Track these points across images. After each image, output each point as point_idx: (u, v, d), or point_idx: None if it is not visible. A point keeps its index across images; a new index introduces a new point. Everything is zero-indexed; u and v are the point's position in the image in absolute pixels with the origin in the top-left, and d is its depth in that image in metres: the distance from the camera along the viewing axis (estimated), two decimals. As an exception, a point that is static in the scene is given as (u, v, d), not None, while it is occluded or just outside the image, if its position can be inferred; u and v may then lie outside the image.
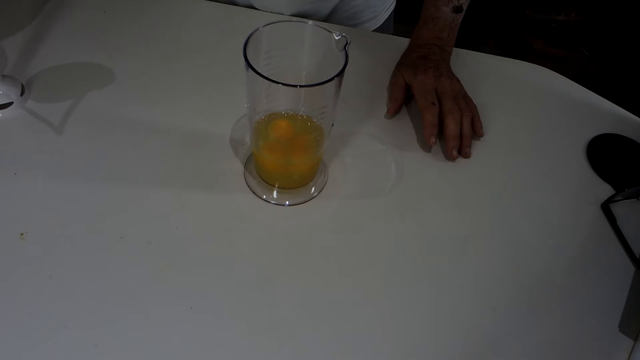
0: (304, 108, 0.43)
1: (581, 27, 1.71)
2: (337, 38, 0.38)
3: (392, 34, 0.69)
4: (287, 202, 0.47)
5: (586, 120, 0.58)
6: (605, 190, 0.51)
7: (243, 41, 0.37)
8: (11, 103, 0.51)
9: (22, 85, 0.52)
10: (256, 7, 0.66)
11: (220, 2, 0.68)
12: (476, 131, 0.54)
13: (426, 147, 0.53)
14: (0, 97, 0.50)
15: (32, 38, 0.60)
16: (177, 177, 0.47)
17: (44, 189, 0.45)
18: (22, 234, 0.42)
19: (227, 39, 0.62)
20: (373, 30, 0.74)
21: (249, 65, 0.36)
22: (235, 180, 0.48)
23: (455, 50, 0.65)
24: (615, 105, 0.60)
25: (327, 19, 0.69)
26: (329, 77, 0.36)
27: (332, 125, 0.43)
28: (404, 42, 0.65)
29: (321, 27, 0.39)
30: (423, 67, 0.55)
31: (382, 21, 0.75)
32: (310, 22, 0.40)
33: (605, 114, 0.59)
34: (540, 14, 1.73)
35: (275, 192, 0.47)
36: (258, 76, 0.35)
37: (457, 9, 0.58)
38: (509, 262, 0.45)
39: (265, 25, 0.38)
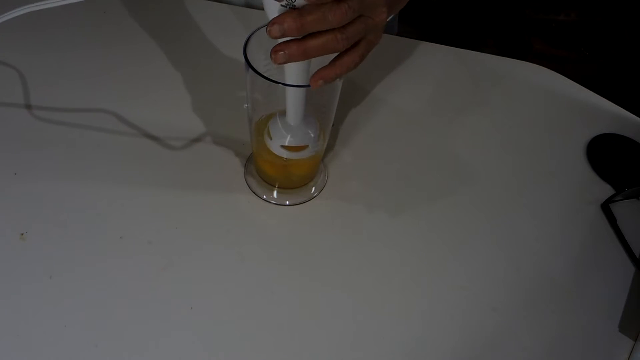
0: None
1: (581, 27, 1.71)
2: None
3: (397, 34, 0.69)
4: (287, 202, 0.47)
5: (586, 120, 0.58)
6: (605, 190, 0.51)
7: (243, 41, 0.37)
8: None
9: None
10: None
11: (220, 2, 0.68)
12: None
13: (426, 147, 0.53)
14: None
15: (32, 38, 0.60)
16: (177, 177, 0.47)
17: (44, 189, 0.45)
18: (22, 234, 0.42)
19: (227, 38, 0.62)
20: None
21: (249, 65, 0.36)
22: (235, 180, 0.48)
23: (455, 50, 0.65)
24: (615, 105, 0.60)
25: None
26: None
27: (332, 125, 0.43)
28: (405, 42, 0.65)
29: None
30: None
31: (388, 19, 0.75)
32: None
33: (605, 114, 0.59)
34: (540, 14, 1.73)
35: (275, 192, 0.47)
36: (258, 76, 0.35)
37: None
38: (509, 262, 0.45)
39: (266, 25, 0.38)
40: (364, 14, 0.34)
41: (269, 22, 0.31)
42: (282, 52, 0.32)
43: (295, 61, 0.33)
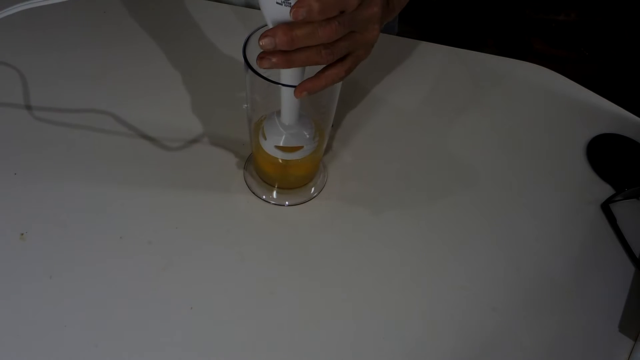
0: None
1: (581, 27, 1.70)
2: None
3: (397, 34, 0.69)
4: (286, 202, 0.47)
5: (586, 120, 0.58)
6: (605, 190, 0.51)
7: (242, 41, 0.37)
8: None
9: None
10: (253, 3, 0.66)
11: (220, 1, 0.68)
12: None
13: (426, 147, 0.53)
14: None
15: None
16: (177, 177, 0.47)
17: (44, 189, 0.45)
18: (22, 234, 0.42)
19: (227, 39, 0.62)
20: None
21: (248, 65, 0.36)
22: (235, 181, 0.48)
23: (455, 50, 0.65)
24: (615, 105, 0.60)
25: None
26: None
27: (332, 125, 0.43)
28: (405, 42, 0.65)
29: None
30: None
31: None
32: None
33: (605, 114, 0.59)
34: (540, 14, 1.73)
35: (275, 193, 0.47)
36: (257, 76, 0.35)
37: None
38: (509, 262, 0.45)
39: (265, 25, 0.38)
40: (355, 30, 0.34)
41: (261, 35, 0.32)
42: (267, 59, 0.33)
43: (279, 68, 0.34)
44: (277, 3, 0.31)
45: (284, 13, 0.31)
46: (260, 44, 0.32)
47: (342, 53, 0.35)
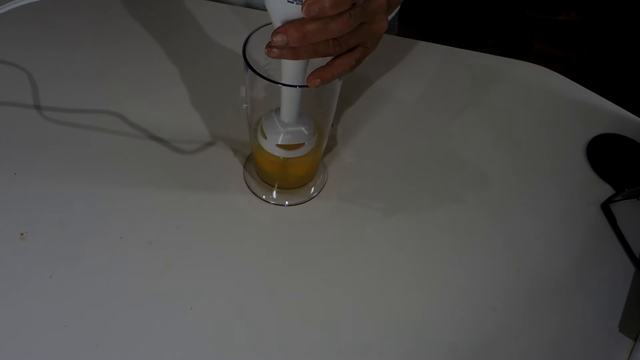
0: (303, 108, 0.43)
1: (581, 27, 1.71)
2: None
3: (397, 34, 0.69)
4: (286, 202, 0.47)
5: (586, 120, 0.58)
6: (605, 190, 0.51)
7: (242, 41, 0.37)
8: None
9: None
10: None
11: (220, 1, 0.68)
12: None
13: (426, 147, 0.53)
14: None
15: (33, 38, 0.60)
16: (176, 177, 0.47)
17: (44, 189, 0.45)
18: (22, 234, 0.42)
19: (227, 38, 0.62)
20: None
21: (248, 65, 0.36)
22: (235, 181, 0.48)
23: (455, 50, 0.65)
24: (615, 105, 0.60)
25: None
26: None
27: (332, 125, 0.43)
28: (405, 43, 0.65)
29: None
30: None
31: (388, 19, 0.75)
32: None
33: (605, 114, 0.59)
34: (540, 14, 1.73)
35: (274, 192, 0.47)
36: (257, 76, 0.35)
37: None
38: (509, 262, 0.45)
39: (265, 25, 0.38)
40: (365, 22, 0.34)
41: (273, 32, 0.32)
42: (275, 49, 0.33)
43: (286, 59, 0.34)
44: (288, 1, 0.31)
45: (295, 11, 0.31)
46: (273, 39, 0.32)
47: (351, 44, 0.35)
